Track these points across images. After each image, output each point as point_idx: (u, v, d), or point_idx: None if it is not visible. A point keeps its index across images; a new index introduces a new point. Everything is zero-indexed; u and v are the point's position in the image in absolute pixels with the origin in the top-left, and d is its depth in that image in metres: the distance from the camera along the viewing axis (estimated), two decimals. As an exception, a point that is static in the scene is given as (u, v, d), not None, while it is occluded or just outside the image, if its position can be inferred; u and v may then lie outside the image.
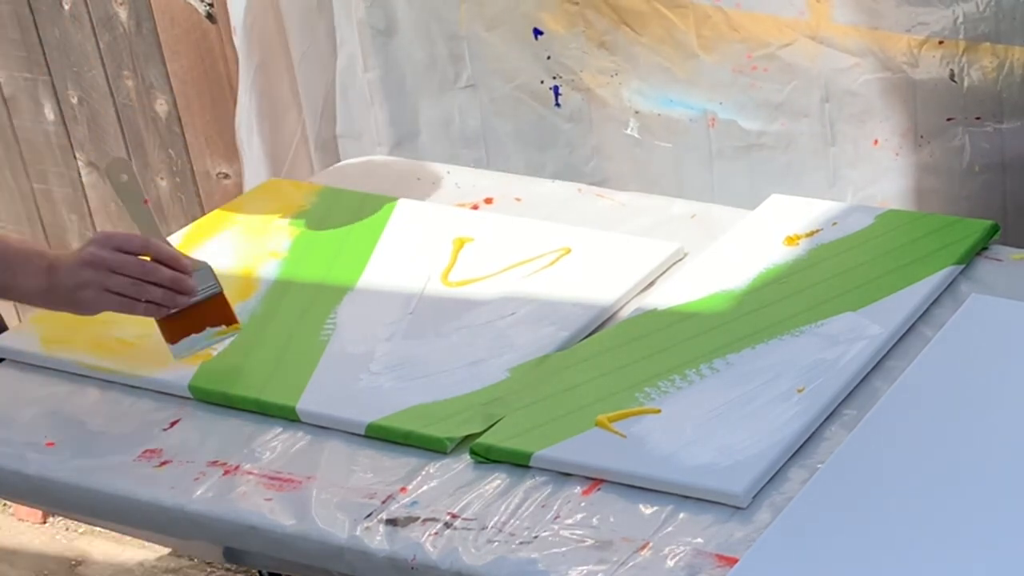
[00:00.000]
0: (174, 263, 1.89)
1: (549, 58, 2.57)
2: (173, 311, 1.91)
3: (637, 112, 2.53)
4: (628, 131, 2.56)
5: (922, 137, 2.31)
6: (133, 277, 1.86)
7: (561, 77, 2.57)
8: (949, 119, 2.28)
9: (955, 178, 2.31)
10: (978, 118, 2.25)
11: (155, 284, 1.87)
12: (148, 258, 1.89)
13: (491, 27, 2.60)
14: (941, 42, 2.22)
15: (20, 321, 2.28)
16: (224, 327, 1.94)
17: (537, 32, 2.56)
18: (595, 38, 2.51)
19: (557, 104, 2.61)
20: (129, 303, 1.87)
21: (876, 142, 2.35)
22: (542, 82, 2.59)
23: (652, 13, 2.44)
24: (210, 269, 1.94)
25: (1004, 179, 2.29)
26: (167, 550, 2.90)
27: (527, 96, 2.61)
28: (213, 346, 1.95)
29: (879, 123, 2.34)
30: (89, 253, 1.85)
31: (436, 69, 2.69)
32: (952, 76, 2.23)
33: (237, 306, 2.10)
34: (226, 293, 1.95)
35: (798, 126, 2.40)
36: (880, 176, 2.37)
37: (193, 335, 1.93)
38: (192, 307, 1.92)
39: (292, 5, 2.76)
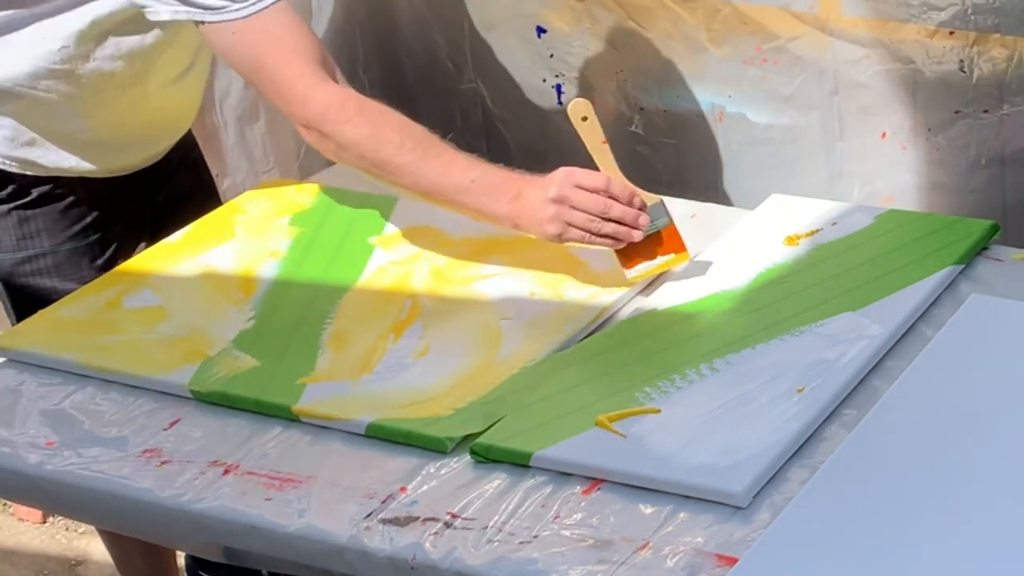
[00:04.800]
0: (629, 199, 2.02)
1: (552, 56, 2.57)
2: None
3: (642, 109, 2.53)
4: (632, 128, 2.56)
5: (930, 131, 2.31)
6: (591, 214, 2.00)
7: (564, 75, 2.57)
8: (957, 112, 2.28)
9: (962, 172, 2.31)
10: (986, 111, 2.26)
11: (611, 220, 2.01)
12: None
13: (492, 26, 2.60)
14: (952, 33, 2.22)
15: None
16: (674, 255, 2.05)
17: (540, 30, 2.56)
18: (600, 35, 2.51)
19: (559, 102, 2.60)
20: (587, 236, 2.02)
21: (884, 135, 2.36)
22: (544, 80, 2.59)
23: (660, 8, 2.44)
24: (663, 203, 2.05)
25: (1004, 175, 2.29)
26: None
27: (529, 95, 2.61)
28: (662, 269, 2.06)
29: (887, 116, 2.34)
30: (554, 190, 2.00)
31: (437, 67, 2.69)
32: (962, 67, 2.23)
33: (236, 306, 2.10)
34: (675, 225, 2.06)
35: (806, 119, 2.40)
36: (887, 170, 2.37)
37: (646, 262, 2.04)
38: (646, 236, 2.03)
39: (294, 5, 2.76)
